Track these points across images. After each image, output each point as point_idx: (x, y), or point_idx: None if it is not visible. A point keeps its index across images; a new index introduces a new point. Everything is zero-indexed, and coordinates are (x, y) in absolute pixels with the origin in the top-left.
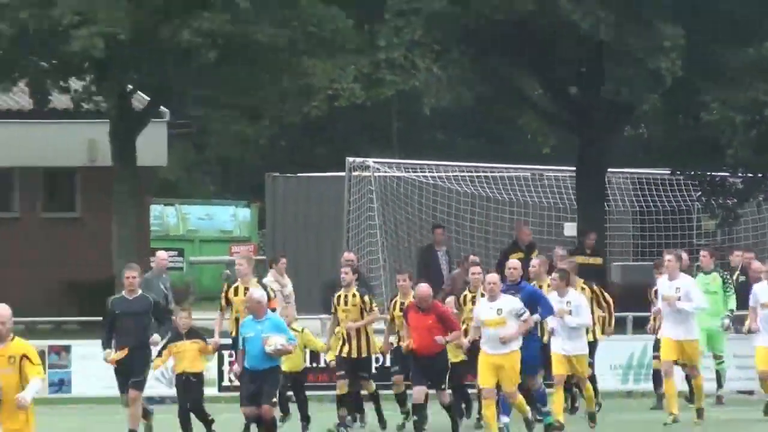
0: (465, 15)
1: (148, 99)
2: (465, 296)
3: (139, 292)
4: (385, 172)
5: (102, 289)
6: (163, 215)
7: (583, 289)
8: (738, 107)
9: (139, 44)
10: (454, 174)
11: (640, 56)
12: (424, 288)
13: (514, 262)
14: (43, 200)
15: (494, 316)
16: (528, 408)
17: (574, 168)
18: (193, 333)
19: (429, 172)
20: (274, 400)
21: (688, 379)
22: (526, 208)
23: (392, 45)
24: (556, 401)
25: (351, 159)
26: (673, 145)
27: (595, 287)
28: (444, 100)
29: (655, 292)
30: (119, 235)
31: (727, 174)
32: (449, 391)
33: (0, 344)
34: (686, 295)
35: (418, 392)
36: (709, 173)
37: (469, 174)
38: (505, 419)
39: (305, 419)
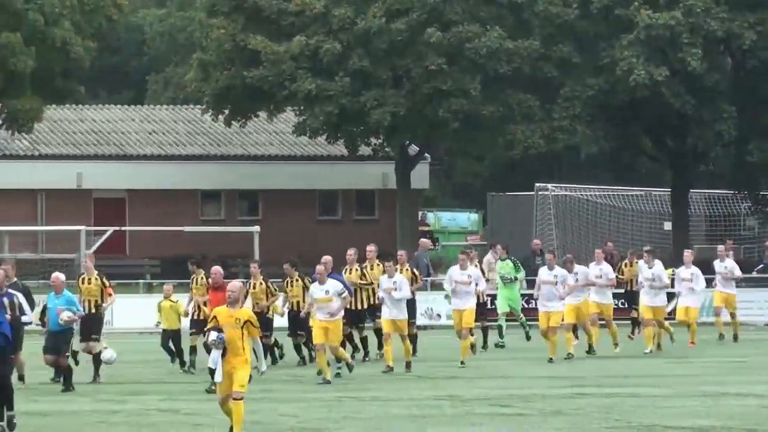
0: (605, 99)
1: (417, 149)
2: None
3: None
4: (558, 192)
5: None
6: (426, 217)
7: (406, 270)
8: None
9: (411, 118)
10: (598, 193)
11: (709, 123)
12: (216, 270)
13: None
14: (355, 208)
15: (324, 295)
16: (347, 356)
17: (670, 189)
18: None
19: (583, 192)
20: (68, 354)
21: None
22: (640, 214)
23: (562, 117)
24: (387, 350)
25: (538, 184)
26: (732, 176)
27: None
28: (592, 149)
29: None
30: (401, 229)
31: (766, 193)
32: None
33: (231, 308)
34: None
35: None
36: (755, 192)
37: (607, 192)
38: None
39: (179, 354)
